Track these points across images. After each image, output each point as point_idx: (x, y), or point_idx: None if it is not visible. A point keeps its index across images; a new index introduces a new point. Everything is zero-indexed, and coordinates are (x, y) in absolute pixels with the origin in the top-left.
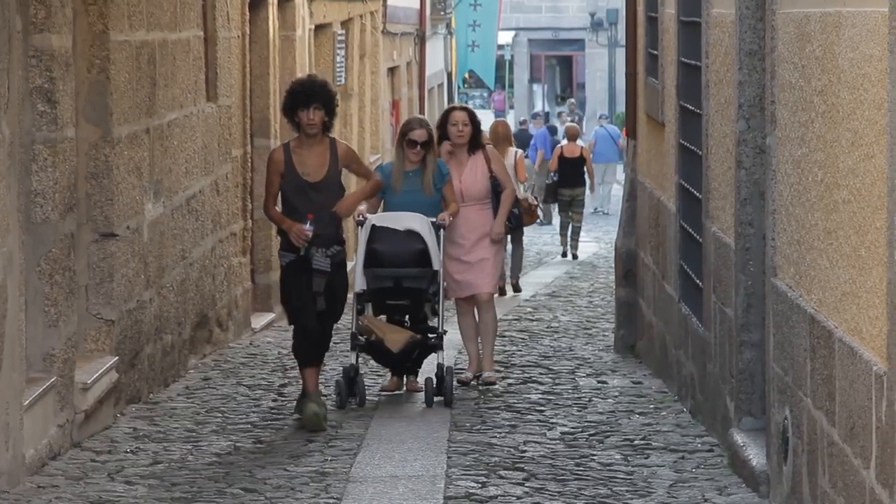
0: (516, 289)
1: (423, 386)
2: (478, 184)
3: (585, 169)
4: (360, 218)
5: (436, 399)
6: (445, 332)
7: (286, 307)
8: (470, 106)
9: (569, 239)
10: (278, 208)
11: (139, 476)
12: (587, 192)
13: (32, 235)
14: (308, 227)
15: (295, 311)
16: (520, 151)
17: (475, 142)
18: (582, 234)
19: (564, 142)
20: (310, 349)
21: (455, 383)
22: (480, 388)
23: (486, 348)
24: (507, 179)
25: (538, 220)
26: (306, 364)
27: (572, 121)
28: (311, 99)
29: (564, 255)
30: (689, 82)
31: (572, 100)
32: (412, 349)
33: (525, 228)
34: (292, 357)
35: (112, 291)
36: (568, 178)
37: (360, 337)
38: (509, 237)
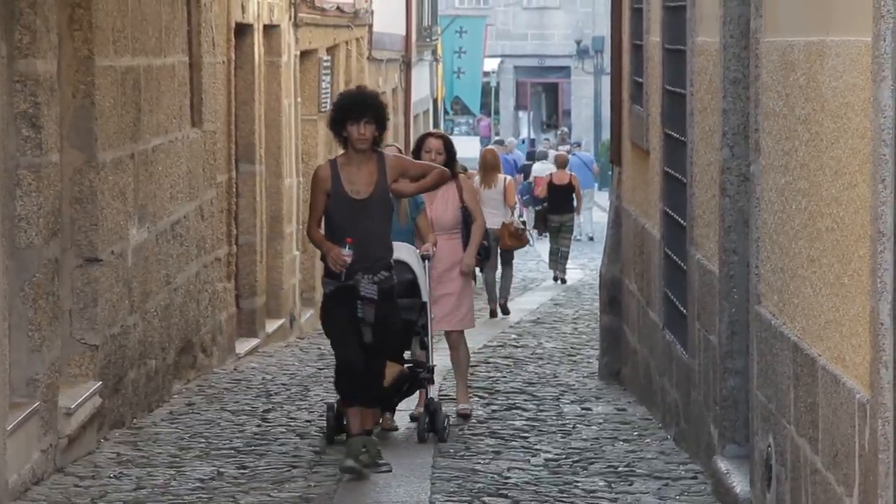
0: (505, 311)
1: (414, 421)
2: (448, 213)
3: (574, 196)
4: (347, 251)
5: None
6: (435, 365)
7: (329, 338)
8: (447, 133)
9: (558, 263)
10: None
11: (122, 501)
12: (575, 218)
13: (16, 260)
14: (347, 252)
15: (336, 345)
16: (509, 178)
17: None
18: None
19: (554, 169)
20: (351, 386)
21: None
22: (455, 419)
23: (460, 383)
24: (478, 211)
25: (529, 243)
26: (347, 403)
27: (565, 150)
28: (363, 112)
29: (556, 279)
30: (674, 110)
31: (564, 128)
32: (402, 383)
33: (514, 252)
34: (276, 382)
35: (96, 316)
36: (557, 205)
37: None
38: (500, 259)
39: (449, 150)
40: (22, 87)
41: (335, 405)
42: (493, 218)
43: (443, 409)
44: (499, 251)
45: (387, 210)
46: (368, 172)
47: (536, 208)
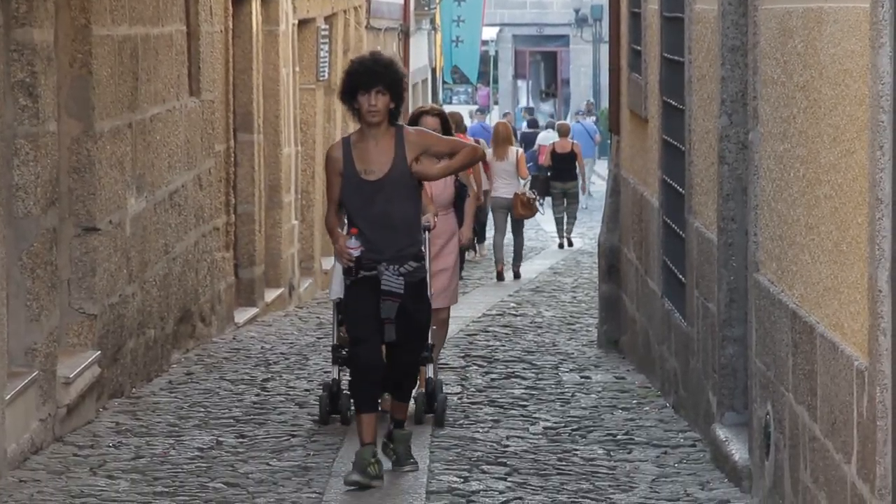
0: (517, 275)
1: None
2: (447, 190)
3: (577, 165)
4: (353, 242)
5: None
6: (433, 344)
7: (349, 334)
8: (442, 107)
9: (564, 228)
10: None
11: (121, 470)
12: (580, 188)
13: (14, 230)
14: (353, 244)
15: (353, 341)
16: (520, 150)
17: None
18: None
19: (557, 138)
20: (366, 390)
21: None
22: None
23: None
24: (471, 184)
25: (540, 212)
26: (361, 409)
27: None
28: (374, 80)
29: (561, 246)
30: (673, 78)
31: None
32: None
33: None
34: (275, 352)
35: (94, 286)
36: (560, 173)
37: (341, 350)
38: (509, 227)
39: (445, 126)
40: (19, 56)
41: (331, 385)
42: (507, 188)
43: (443, 388)
44: (508, 219)
45: (408, 191)
46: (383, 150)
47: (540, 176)
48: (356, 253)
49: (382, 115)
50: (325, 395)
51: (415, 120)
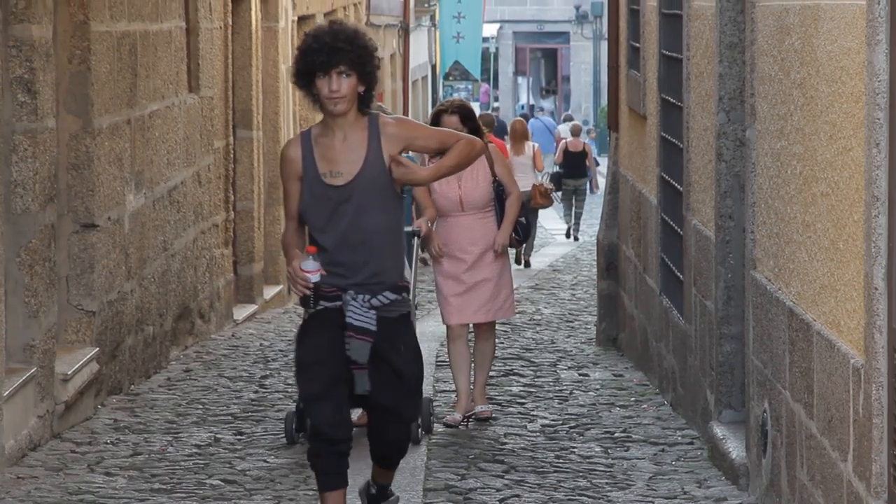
0: (526, 264)
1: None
2: (479, 189)
3: (587, 161)
4: (311, 263)
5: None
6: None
7: (297, 380)
8: (464, 101)
9: (572, 222)
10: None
11: (119, 467)
12: (589, 183)
13: (12, 226)
14: (310, 266)
15: (307, 399)
16: (536, 145)
17: None
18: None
19: (570, 137)
20: (329, 462)
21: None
22: (470, 425)
23: (479, 378)
24: (512, 183)
25: (557, 202)
26: (322, 487)
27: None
28: (333, 60)
29: (568, 236)
30: (671, 75)
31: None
32: None
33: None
34: (274, 349)
35: (93, 282)
36: (572, 170)
37: None
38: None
39: (470, 123)
40: (17, 52)
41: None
42: (523, 181)
43: (432, 404)
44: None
45: (385, 199)
46: (353, 146)
47: (552, 173)
48: (314, 278)
49: (348, 102)
50: (293, 414)
51: (434, 121)
